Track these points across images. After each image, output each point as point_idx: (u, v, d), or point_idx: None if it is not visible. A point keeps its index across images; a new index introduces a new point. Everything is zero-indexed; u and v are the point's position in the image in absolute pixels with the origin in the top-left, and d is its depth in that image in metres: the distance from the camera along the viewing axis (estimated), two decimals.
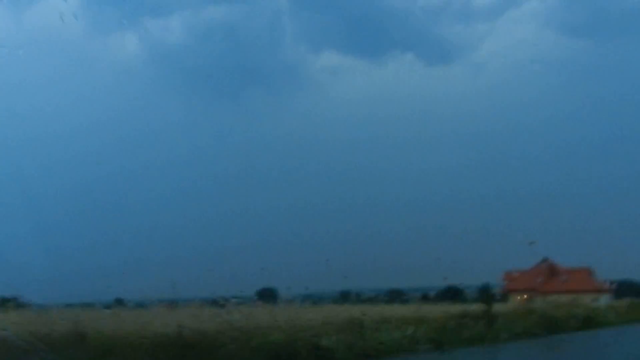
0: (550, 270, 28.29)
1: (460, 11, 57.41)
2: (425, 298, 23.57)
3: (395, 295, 22.83)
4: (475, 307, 15.52)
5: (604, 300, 24.82)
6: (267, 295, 19.88)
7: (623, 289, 29.88)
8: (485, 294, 17.11)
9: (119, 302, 14.25)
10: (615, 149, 48.67)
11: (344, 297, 21.69)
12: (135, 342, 7.48)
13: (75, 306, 11.22)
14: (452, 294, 26.12)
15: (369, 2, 54.73)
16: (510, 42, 59.17)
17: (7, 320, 9.44)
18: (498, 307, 17.57)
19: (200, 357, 7.70)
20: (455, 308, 16.43)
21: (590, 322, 17.26)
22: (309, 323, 11.35)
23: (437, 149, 48.94)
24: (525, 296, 24.23)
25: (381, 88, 55.67)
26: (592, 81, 55.71)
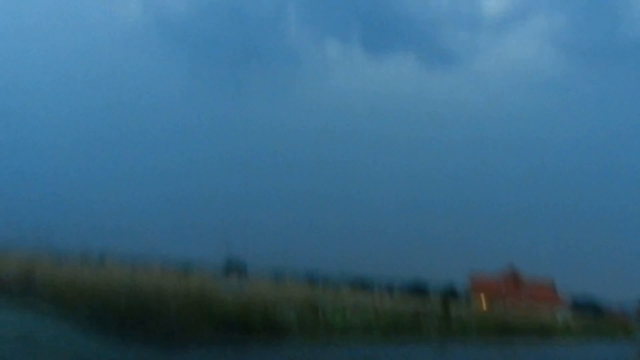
0: (514, 277, 28.78)
1: (468, 20, 57.17)
2: (389, 289, 23.86)
3: (361, 283, 23.08)
4: (435, 305, 15.81)
5: (562, 314, 25.35)
6: (235, 267, 19.98)
7: (581, 303, 30.57)
8: (447, 295, 17.42)
9: (84, 255, 14.23)
10: (599, 175, 49.54)
11: (310, 278, 21.88)
12: (88, 293, 7.50)
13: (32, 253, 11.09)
14: (416, 289, 26.52)
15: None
16: (512, 55, 59.26)
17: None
18: (458, 307, 17.88)
19: (154, 319, 7.73)
20: (416, 303, 16.70)
21: (545, 334, 17.63)
22: (269, 298, 11.50)
23: (427, 149, 49.31)
24: (486, 300, 24.66)
25: (380, 84, 55.49)
26: (589, 106, 56.25)
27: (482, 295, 25.69)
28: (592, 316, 27.41)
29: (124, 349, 6.73)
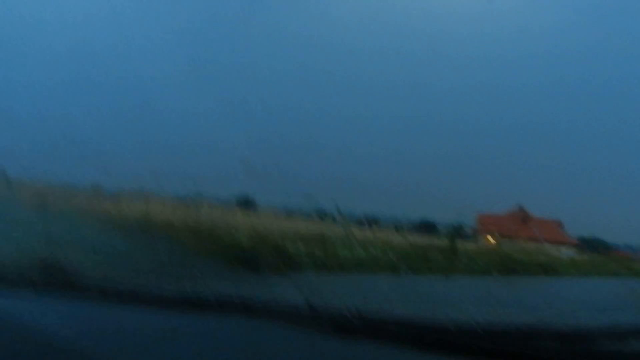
0: (522, 218, 29.01)
1: None
2: (397, 228, 24.17)
3: (369, 221, 23.32)
4: (443, 241, 16.06)
5: (568, 253, 25.69)
6: (245, 203, 20.20)
7: (589, 245, 30.85)
8: (454, 232, 17.63)
9: (96, 187, 14.42)
10: (618, 96, 47.05)
11: (321, 215, 22.12)
12: (97, 225, 7.65)
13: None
14: (425, 227, 26.82)
15: None
16: None
17: None
18: (466, 245, 18.18)
19: (161, 248, 7.89)
20: (423, 239, 16.97)
21: (549, 270, 17.94)
22: (279, 232, 11.73)
23: (434, 67, 47.22)
24: (493, 238, 24.98)
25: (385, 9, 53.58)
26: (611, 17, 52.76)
27: (490, 234, 26.00)
28: (598, 255, 27.74)
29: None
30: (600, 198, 35.56)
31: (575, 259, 22.56)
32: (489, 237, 24.74)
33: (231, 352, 1.54)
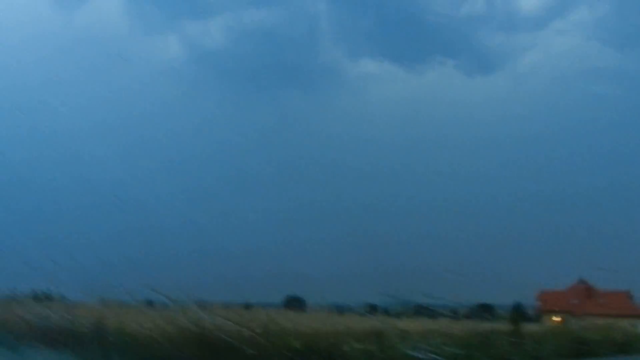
0: (587, 292, 27.26)
1: (504, 21, 56.21)
2: (454, 314, 23.10)
3: (423, 310, 22.48)
4: (505, 326, 15.16)
5: None
6: (294, 303, 19.97)
7: None
8: (516, 314, 16.69)
9: (149, 302, 14.61)
10: None
11: (371, 309, 21.53)
12: (156, 337, 7.67)
13: (106, 302, 11.54)
14: (482, 311, 25.52)
15: (410, 7, 54.38)
16: (554, 52, 57.61)
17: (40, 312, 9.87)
18: (530, 327, 17.06)
19: (217, 357, 7.82)
20: (484, 326, 16.06)
21: (627, 348, 16.51)
22: (331, 331, 11.40)
23: (473, 154, 47.51)
24: (559, 317, 23.44)
25: (419, 94, 55.14)
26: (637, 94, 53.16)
27: (555, 314, 24.49)
28: None
29: None
30: None
31: None
32: (554, 317, 23.24)
33: None
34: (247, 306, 13.53)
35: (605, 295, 26.70)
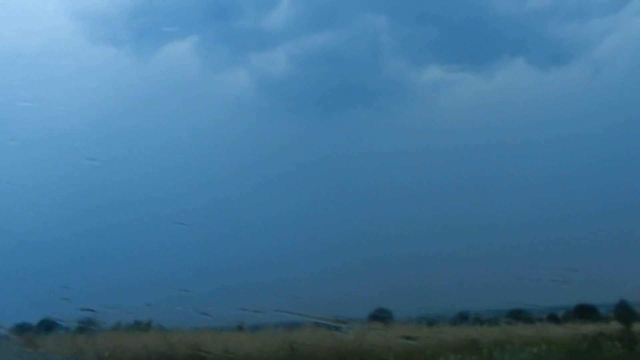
0: None
1: (574, 8, 53.09)
2: (552, 318, 21.68)
3: (518, 315, 21.30)
4: (611, 327, 14.00)
5: None
6: (382, 316, 19.57)
7: None
8: (623, 311, 15.35)
9: (239, 326, 14.92)
10: None
11: (462, 317, 20.67)
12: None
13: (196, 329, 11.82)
14: (583, 312, 23.78)
15: (471, 10, 52.98)
16: (633, 35, 53.63)
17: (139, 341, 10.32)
18: (639, 326, 15.63)
19: None
20: (587, 328, 14.92)
21: None
22: (424, 343, 11.01)
23: (552, 153, 44.97)
24: None
25: (490, 97, 53.12)
26: None
27: None
28: None
29: None
30: None
31: None
32: None
33: None
34: (336, 324, 13.41)
35: None
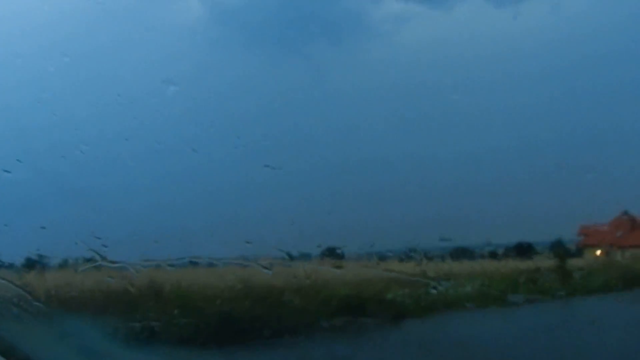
0: (631, 224, 26.63)
1: None
2: (493, 255, 22.95)
3: (462, 253, 22.40)
4: (547, 262, 15.01)
5: None
6: (333, 253, 20.09)
7: None
8: (558, 248, 16.44)
9: (193, 262, 14.94)
10: None
11: (410, 254, 21.47)
12: (206, 296, 7.84)
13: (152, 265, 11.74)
14: (522, 250, 25.28)
15: None
16: None
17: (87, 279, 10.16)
18: (573, 262, 16.84)
19: (269, 310, 7.94)
20: (526, 264, 15.93)
21: None
22: (375, 278, 11.45)
23: (508, 90, 45.62)
24: (602, 251, 23.07)
25: (448, 32, 52.82)
26: None
27: (598, 248, 24.09)
28: None
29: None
30: None
31: None
32: (598, 251, 22.90)
33: None
34: (288, 259, 13.62)
35: None
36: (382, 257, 17.95)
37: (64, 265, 13.17)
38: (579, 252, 25.06)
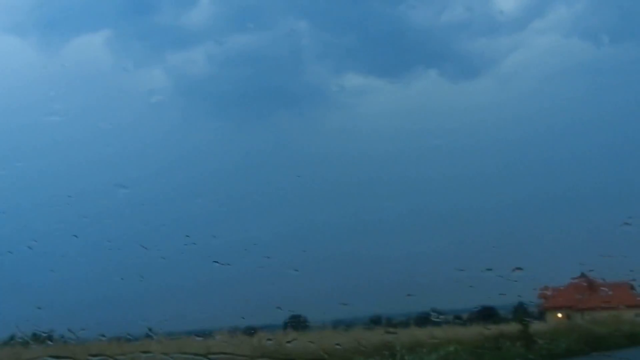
0: (589, 286, 27.17)
1: (484, 26, 56.40)
2: (458, 319, 22.84)
3: (427, 319, 22.17)
4: (511, 327, 15.03)
5: None
6: (297, 322, 19.55)
7: None
8: (521, 313, 16.55)
9: (148, 334, 14.19)
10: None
11: (375, 321, 21.18)
12: None
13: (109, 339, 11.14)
14: (486, 314, 25.28)
15: (390, 21, 54.55)
16: (536, 52, 57.90)
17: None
18: (535, 326, 16.94)
19: None
20: (490, 329, 15.89)
21: (636, 338, 16.46)
22: (341, 347, 11.13)
23: (462, 158, 47.37)
24: (563, 314, 23.32)
25: (405, 105, 55.11)
26: (619, 86, 53.48)
27: (559, 311, 24.37)
28: None
29: None
30: None
31: None
32: (558, 314, 23.16)
33: None
34: (251, 329, 13.23)
35: (607, 287, 26.54)
36: (347, 326, 17.62)
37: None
38: (540, 315, 25.27)
